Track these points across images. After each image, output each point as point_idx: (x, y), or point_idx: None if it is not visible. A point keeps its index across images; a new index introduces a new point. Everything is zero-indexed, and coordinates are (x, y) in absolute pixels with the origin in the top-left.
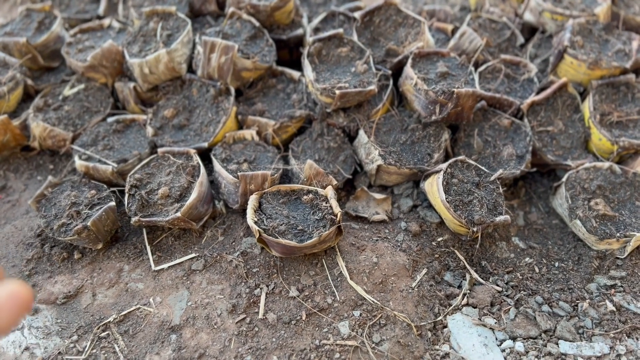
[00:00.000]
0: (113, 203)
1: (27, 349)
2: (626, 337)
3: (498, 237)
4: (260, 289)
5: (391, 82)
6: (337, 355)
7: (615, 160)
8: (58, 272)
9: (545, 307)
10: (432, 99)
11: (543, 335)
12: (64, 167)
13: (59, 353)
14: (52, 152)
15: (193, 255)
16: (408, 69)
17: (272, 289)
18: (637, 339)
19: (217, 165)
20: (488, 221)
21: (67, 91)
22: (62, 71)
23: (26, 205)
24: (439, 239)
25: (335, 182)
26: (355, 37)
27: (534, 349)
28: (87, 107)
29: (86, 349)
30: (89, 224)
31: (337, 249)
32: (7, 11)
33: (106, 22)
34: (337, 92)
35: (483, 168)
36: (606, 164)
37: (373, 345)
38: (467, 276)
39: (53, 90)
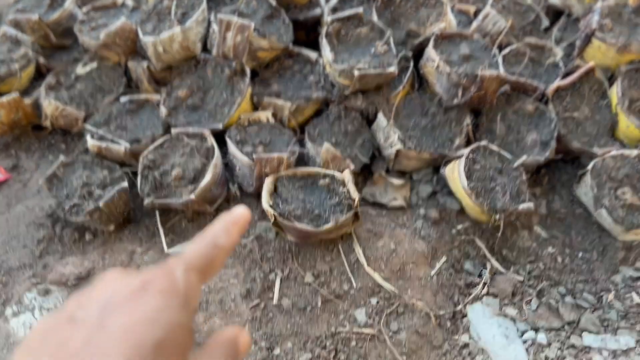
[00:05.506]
0: (126, 184)
1: None
2: None
3: (520, 225)
4: (275, 274)
5: (412, 64)
6: (354, 343)
7: None
8: (69, 253)
9: (569, 299)
10: (454, 81)
11: (566, 326)
12: (76, 147)
13: None
14: (64, 132)
15: None
16: (430, 51)
17: (287, 275)
18: None
19: (231, 147)
20: (511, 209)
21: (80, 69)
22: (74, 50)
23: (37, 185)
24: (459, 227)
25: (352, 167)
26: (375, 17)
27: (556, 340)
28: (99, 86)
29: None
30: (101, 205)
31: (354, 235)
32: None
33: None
34: (356, 73)
35: (506, 154)
36: (634, 152)
37: (391, 333)
38: (488, 265)
39: (65, 69)
